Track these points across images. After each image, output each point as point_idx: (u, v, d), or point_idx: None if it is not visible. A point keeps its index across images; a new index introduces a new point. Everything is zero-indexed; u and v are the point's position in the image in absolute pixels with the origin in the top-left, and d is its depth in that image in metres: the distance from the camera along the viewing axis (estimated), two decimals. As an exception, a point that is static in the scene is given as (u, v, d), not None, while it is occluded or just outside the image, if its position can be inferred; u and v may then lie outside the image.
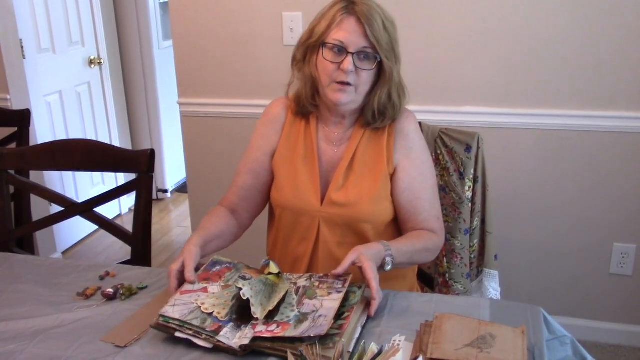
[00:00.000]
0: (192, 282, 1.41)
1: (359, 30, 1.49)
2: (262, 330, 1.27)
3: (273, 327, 1.28)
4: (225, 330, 1.29)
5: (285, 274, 1.48)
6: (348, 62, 1.50)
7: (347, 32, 1.50)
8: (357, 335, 1.29)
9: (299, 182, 1.63)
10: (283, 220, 1.68)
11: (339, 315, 1.30)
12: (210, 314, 1.32)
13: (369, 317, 1.37)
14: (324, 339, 1.21)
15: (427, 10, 2.43)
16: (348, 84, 1.53)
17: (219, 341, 1.26)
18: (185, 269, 1.42)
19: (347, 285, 1.37)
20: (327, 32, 1.53)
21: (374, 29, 1.49)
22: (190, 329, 1.30)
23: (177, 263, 1.44)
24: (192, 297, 1.38)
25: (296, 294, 1.39)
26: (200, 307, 1.34)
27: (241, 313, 1.33)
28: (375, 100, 1.57)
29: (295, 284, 1.44)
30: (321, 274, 1.45)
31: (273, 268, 1.44)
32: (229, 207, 1.71)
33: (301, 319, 1.29)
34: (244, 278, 1.41)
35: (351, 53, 1.50)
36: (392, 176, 1.62)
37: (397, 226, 1.69)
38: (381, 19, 1.51)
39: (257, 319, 1.30)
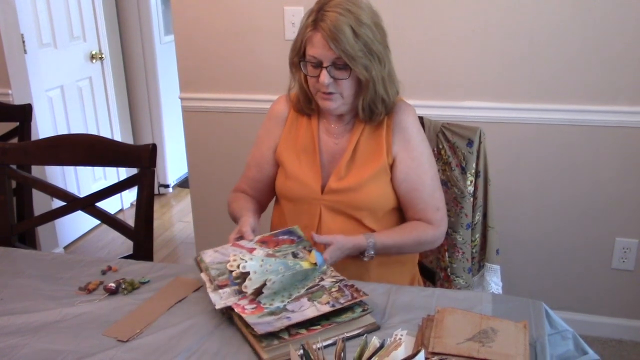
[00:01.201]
0: (250, 240, 1.52)
1: (327, 45, 1.52)
2: (241, 304, 1.32)
3: (250, 306, 1.32)
4: (225, 289, 1.36)
5: (325, 269, 1.46)
6: (323, 76, 1.55)
7: (317, 48, 1.54)
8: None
9: (300, 172, 1.69)
10: (286, 209, 1.74)
11: (312, 322, 1.30)
12: (231, 272, 1.38)
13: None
14: (267, 337, 1.23)
15: (430, 5, 2.43)
16: (331, 93, 1.58)
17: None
18: (242, 229, 1.56)
19: (349, 303, 1.33)
20: (303, 47, 1.58)
21: (340, 42, 1.50)
22: (208, 275, 1.40)
23: (234, 232, 1.57)
24: (236, 251, 1.46)
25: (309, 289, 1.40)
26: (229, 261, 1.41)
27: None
28: (360, 102, 1.61)
29: (322, 279, 1.43)
30: (351, 283, 1.41)
31: (312, 257, 1.45)
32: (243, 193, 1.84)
33: (276, 312, 1.31)
34: (294, 255, 1.46)
35: (325, 67, 1.54)
36: (392, 168, 1.67)
37: (397, 215, 1.74)
38: (350, 27, 1.51)
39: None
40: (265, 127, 1.80)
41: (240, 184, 1.86)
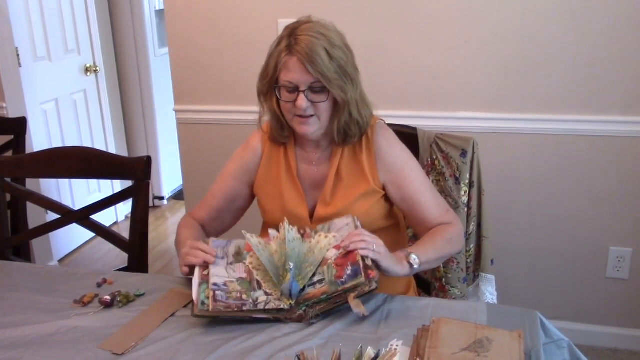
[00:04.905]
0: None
1: (304, 69, 1.51)
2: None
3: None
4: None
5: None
6: (301, 100, 1.53)
7: (293, 73, 1.52)
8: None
9: (285, 204, 1.68)
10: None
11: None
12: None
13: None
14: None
15: (422, 16, 2.44)
16: (309, 116, 1.57)
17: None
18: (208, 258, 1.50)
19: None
20: (277, 73, 1.56)
21: (317, 65, 1.49)
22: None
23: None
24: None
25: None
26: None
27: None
28: (335, 124, 1.60)
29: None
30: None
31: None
32: (198, 221, 1.79)
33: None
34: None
35: (302, 91, 1.53)
36: (385, 190, 1.67)
37: (392, 233, 1.74)
38: (324, 49, 1.51)
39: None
40: (237, 161, 1.76)
41: (198, 210, 1.81)
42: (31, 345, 1.35)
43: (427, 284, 1.99)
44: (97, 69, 3.95)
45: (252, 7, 2.60)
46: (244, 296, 1.41)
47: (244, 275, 1.48)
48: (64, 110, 3.71)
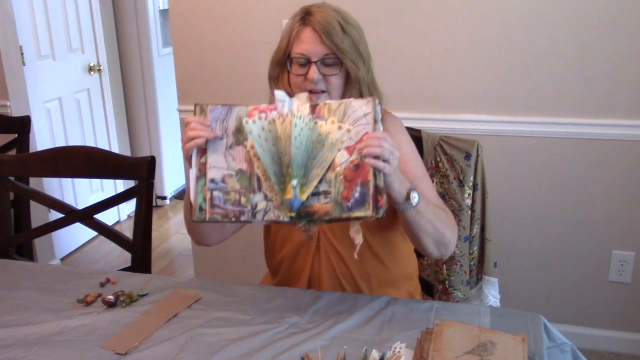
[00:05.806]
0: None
1: (317, 39, 1.50)
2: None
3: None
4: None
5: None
6: (313, 72, 1.51)
7: (306, 43, 1.51)
8: None
9: None
10: (280, 230, 1.70)
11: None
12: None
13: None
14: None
15: (426, 19, 2.44)
16: (320, 91, 1.54)
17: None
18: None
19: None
20: (290, 46, 1.55)
21: (331, 35, 1.49)
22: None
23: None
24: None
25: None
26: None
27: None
28: None
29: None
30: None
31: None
32: None
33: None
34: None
35: (314, 62, 1.51)
36: None
37: (392, 233, 1.69)
38: (339, 23, 1.51)
39: None
40: None
41: None
42: (34, 345, 1.35)
43: (429, 286, 1.99)
44: (101, 68, 3.95)
45: (256, 7, 2.60)
46: (243, 199, 1.35)
47: (244, 167, 1.37)
48: (67, 109, 3.71)
